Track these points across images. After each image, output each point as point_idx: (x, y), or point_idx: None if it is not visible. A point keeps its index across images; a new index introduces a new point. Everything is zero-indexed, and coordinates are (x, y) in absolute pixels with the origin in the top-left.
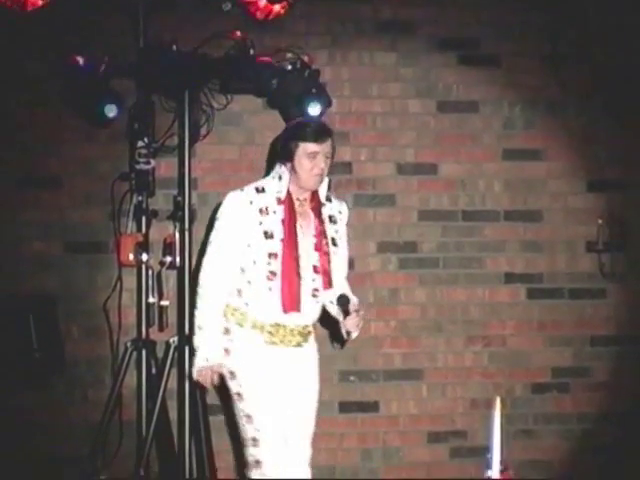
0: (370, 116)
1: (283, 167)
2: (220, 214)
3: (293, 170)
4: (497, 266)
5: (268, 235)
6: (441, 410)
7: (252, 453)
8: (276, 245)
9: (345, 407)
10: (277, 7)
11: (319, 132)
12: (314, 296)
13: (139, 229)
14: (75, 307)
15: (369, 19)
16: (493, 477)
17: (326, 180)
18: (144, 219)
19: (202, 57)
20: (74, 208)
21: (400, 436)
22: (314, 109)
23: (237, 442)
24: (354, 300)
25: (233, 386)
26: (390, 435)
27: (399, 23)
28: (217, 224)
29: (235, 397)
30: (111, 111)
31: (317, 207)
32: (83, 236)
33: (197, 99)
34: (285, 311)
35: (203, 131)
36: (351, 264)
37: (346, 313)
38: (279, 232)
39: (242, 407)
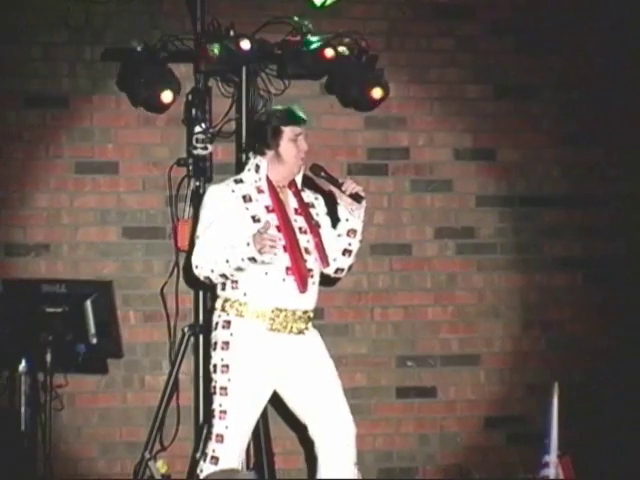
0: (428, 101)
1: (259, 157)
2: (204, 206)
3: (277, 157)
4: (554, 251)
5: (256, 219)
6: (498, 395)
7: (214, 448)
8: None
9: (402, 392)
10: None
11: (297, 113)
12: (309, 277)
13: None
14: (132, 292)
15: (427, 4)
16: (551, 462)
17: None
18: None
19: (259, 42)
20: (131, 194)
21: (457, 421)
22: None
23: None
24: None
25: (221, 380)
26: (447, 420)
27: (457, 8)
28: (201, 216)
29: (219, 391)
30: (167, 97)
31: (297, 192)
32: (140, 221)
33: (255, 84)
34: (302, 291)
35: None
36: (408, 249)
37: (332, 182)
38: (265, 217)
39: (221, 402)
